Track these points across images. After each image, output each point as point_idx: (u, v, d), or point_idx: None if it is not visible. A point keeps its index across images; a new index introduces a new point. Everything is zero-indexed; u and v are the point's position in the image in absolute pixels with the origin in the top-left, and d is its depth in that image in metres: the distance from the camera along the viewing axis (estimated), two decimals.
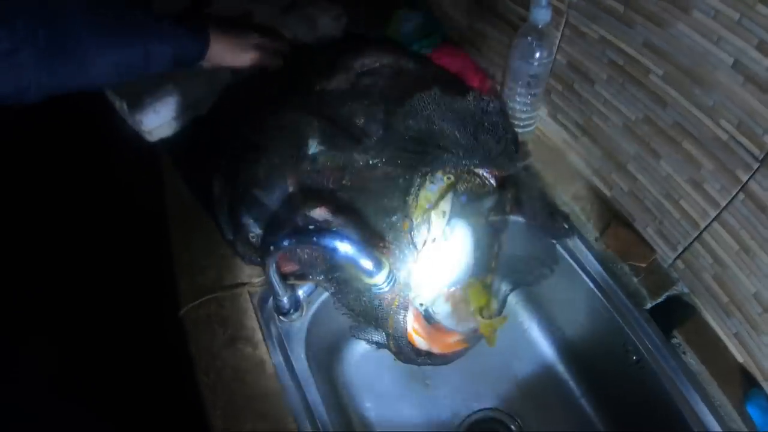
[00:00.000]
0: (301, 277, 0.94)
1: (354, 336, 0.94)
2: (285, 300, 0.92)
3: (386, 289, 0.76)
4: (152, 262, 1.13)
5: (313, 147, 0.90)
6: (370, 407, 1.12)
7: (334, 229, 0.83)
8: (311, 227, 0.79)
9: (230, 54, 1.04)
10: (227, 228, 0.96)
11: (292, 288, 0.94)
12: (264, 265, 0.83)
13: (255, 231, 0.91)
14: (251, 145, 0.93)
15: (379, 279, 0.74)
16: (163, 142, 1.16)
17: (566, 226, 0.98)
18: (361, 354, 1.17)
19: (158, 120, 1.13)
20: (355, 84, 1.02)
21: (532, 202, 0.94)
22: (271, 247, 0.78)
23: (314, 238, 0.73)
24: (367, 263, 0.73)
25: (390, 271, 0.76)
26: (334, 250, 0.72)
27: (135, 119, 1.11)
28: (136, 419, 1.21)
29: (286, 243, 0.76)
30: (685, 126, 0.79)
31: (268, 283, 0.89)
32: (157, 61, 0.89)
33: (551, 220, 0.97)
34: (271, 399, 0.86)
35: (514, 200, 0.93)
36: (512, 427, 1.11)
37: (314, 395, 0.90)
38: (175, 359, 0.96)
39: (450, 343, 0.93)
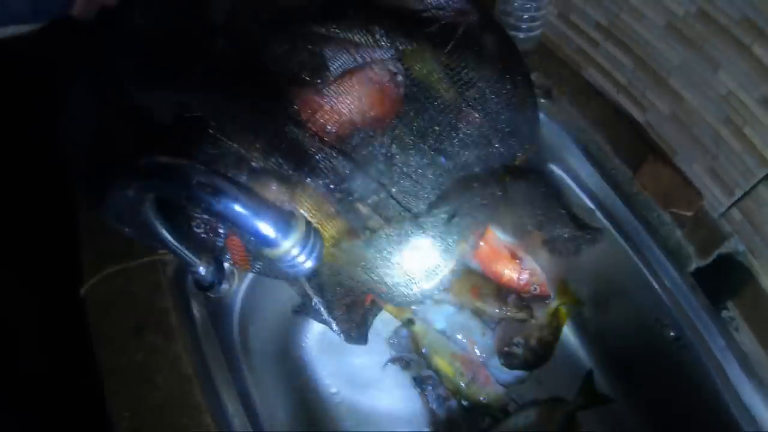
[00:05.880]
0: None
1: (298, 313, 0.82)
2: (202, 270, 0.71)
3: (302, 260, 0.50)
4: (53, 225, 0.94)
5: None
6: (338, 393, 0.98)
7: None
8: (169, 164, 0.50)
9: None
10: None
11: (213, 254, 0.73)
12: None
13: None
14: None
15: (287, 246, 0.49)
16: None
17: (590, 234, 0.86)
18: (323, 329, 0.97)
19: None
20: None
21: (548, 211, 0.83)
22: (129, 192, 0.49)
23: (178, 186, 0.46)
24: (266, 228, 0.47)
25: (307, 230, 0.50)
26: (210, 207, 0.46)
27: None
28: None
29: (129, 189, 0.49)
30: (756, 22, 0.67)
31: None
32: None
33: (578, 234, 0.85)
34: (190, 409, 0.69)
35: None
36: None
37: (253, 397, 0.78)
38: (79, 355, 0.79)
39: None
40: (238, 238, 0.69)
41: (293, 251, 0.48)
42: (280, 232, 0.47)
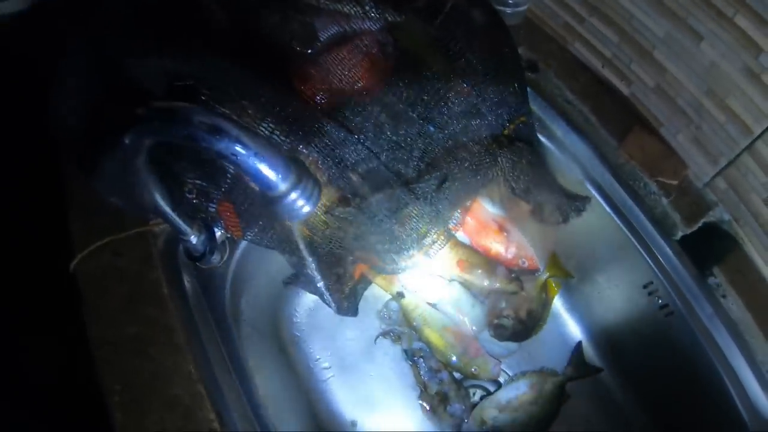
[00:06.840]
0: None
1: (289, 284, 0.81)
2: (194, 239, 0.70)
3: (301, 204, 0.50)
4: (41, 200, 0.91)
5: None
6: (330, 368, 0.97)
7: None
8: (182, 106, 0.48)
9: None
10: None
11: (205, 223, 0.72)
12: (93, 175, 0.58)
13: None
14: None
15: (285, 189, 0.49)
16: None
17: (577, 202, 0.86)
18: (314, 302, 1.00)
19: None
20: None
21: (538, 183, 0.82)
22: (126, 140, 0.48)
23: (179, 126, 0.45)
24: (266, 169, 0.46)
25: (306, 173, 0.50)
26: (211, 146, 0.46)
27: None
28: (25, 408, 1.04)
29: (126, 136, 0.48)
30: None
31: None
32: None
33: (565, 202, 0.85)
34: (182, 379, 0.68)
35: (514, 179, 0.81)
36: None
37: (245, 368, 0.77)
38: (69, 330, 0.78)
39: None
40: (229, 203, 0.69)
41: (292, 194, 0.48)
42: (280, 174, 0.47)
